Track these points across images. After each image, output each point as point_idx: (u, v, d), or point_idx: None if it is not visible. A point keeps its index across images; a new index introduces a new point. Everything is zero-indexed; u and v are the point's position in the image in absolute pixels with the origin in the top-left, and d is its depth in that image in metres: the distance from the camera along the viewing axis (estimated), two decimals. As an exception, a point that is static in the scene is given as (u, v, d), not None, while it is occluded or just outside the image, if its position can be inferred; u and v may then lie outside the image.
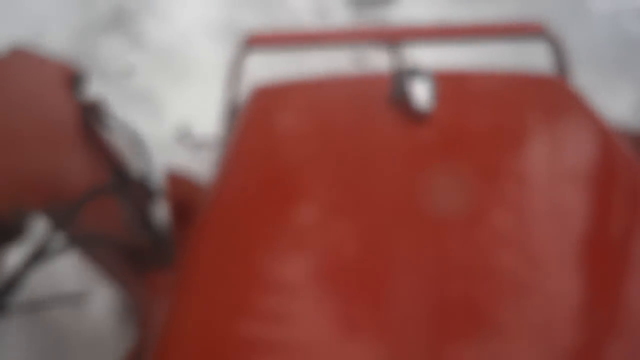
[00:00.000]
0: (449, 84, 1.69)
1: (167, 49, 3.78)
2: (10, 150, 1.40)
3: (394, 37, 1.92)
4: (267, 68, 2.95)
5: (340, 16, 3.89)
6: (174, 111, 3.40)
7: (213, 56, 3.73)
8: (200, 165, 2.84)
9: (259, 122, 1.67)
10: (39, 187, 1.39)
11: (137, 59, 3.69)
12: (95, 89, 2.97)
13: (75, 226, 1.45)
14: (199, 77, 3.54)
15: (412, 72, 1.57)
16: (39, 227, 1.79)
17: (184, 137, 3.27)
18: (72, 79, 1.65)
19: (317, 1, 4.19)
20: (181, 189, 1.73)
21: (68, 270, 2.36)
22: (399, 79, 1.59)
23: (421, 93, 1.53)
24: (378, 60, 2.72)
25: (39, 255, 1.34)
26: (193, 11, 4.10)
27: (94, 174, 1.61)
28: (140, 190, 1.76)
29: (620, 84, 3.21)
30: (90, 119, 1.67)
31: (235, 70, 1.95)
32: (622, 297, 1.18)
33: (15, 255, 1.79)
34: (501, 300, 1.16)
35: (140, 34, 3.88)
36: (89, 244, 1.53)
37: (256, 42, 1.92)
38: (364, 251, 1.28)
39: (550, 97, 1.68)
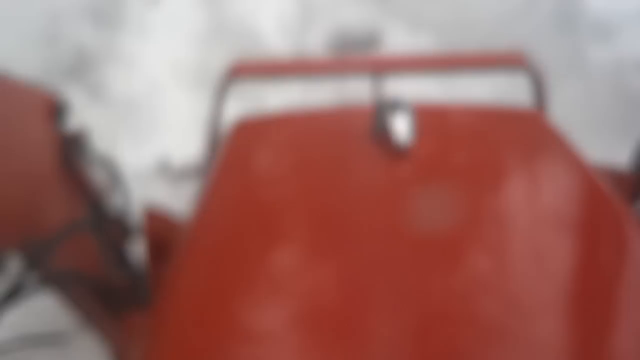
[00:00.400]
0: (430, 118, 1.67)
1: (132, 101, 3.48)
2: None
3: (376, 68, 1.89)
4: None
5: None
6: (155, 142, 3.23)
7: (184, 105, 3.47)
8: (180, 199, 2.72)
9: (239, 158, 1.64)
10: (14, 223, 1.36)
11: (97, 114, 3.41)
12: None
13: (51, 264, 1.40)
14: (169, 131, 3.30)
15: (393, 106, 1.54)
16: (13, 266, 1.61)
17: (164, 168, 3.17)
18: (54, 108, 1.59)
19: (295, 42, 3.92)
20: (159, 227, 1.66)
21: (43, 310, 2.24)
22: (379, 113, 1.56)
23: (401, 127, 1.52)
24: (361, 90, 2.60)
25: (12, 295, 1.30)
26: (161, 54, 3.80)
27: (70, 209, 1.57)
28: (117, 227, 1.72)
29: (619, 144, 2.94)
30: (70, 151, 1.60)
31: (217, 101, 1.90)
32: (608, 344, 1.17)
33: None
34: (484, 348, 1.14)
35: (102, 84, 3.56)
36: (64, 282, 1.47)
37: (240, 71, 1.89)
38: (344, 297, 1.25)
39: (530, 134, 1.66)
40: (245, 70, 1.92)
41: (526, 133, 1.67)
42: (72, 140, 1.61)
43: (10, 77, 1.55)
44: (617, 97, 3.12)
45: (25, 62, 3.69)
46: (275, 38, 3.93)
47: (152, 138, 3.35)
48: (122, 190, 1.78)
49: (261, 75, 1.94)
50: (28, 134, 1.50)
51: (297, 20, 4.06)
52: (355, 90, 2.64)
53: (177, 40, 3.89)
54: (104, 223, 1.66)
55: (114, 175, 1.76)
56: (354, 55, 2.13)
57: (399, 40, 3.71)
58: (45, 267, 1.38)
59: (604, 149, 2.75)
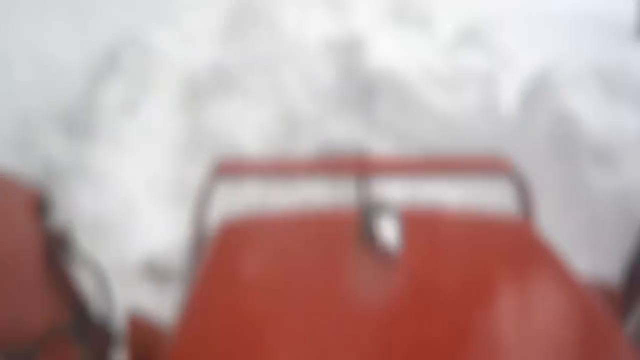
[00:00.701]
0: (417, 223, 1.62)
1: (103, 221, 3.18)
2: None
3: (361, 171, 1.85)
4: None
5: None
6: (140, 243, 3.05)
7: (159, 225, 3.21)
8: (164, 301, 2.40)
9: (224, 262, 1.58)
10: None
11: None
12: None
13: None
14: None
15: (380, 209, 1.51)
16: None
17: (149, 269, 3.06)
18: (39, 205, 1.53)
19: (277, 146, 3.71)
20: (142, 334, 1.56)
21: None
22: (366, 217, 1.52)
23: (389, 233, 1.47)
24: (348, 190, 2.37)
25: None
26: (136, 167, 3.56)
27: (53, 312, 1.48)
28: (100, 333, 1.62)
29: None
30: (54, 249, 1.53)
31: (202, 199, 1.85)
32: None
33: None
34: None
35: (71, 201, 3.25)
36: None
37: (225, 170, 1.86)
38: None
39: (519, 245, 1.63)
40: (231, 169, 1.89)
41: (515, 244, 1.64)
42: (56, 237, 1.55)
43: None
44: (619, 226, 2.93)
45: None
46: (256, 151, 3.72)
47: (131, 240, 3.11)
48: (107, 292, 1.66)
49: (246, 174, 1.94)
50: (12, 230, 1.45)
51: (280, 134, 3.89)
52: (345, 189, 2.51)
53: (154, 152, 3.66)
54: (87, 328, 1.58)
55: (100, 277, 1.65)
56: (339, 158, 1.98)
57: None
58: None
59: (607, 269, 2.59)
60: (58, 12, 5.76)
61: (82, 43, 4.79)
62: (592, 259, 2.57)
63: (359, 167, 1.89)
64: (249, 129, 3.84)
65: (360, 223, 1.55)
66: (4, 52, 4.92)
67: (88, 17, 5.52)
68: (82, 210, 3.08)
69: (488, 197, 2.25)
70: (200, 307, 1.45)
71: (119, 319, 1.68)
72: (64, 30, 5.32)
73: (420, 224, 1.66)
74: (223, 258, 1.60)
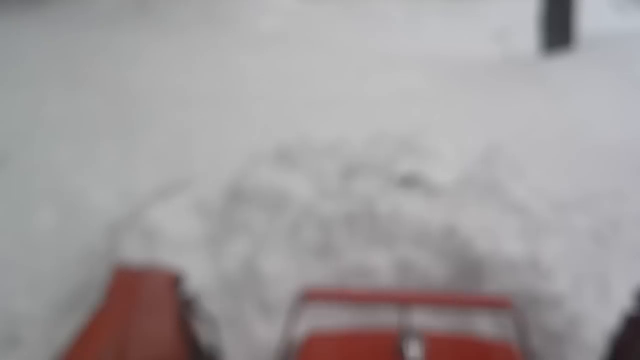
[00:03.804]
0: (438, 347, 2.01)
1: None
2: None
3: (402, 301, 2.24)
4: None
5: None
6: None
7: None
8: None
9: None
10: None
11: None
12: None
13: None
14: None
15: (408, 333, 1.92)
16: None
17: None
18: (174, 280, 1.97)
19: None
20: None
21: None
22: (400, 338, 1.91)
23: (413, 354, 1.87)
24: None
25: None
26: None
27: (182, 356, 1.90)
28: None
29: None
30: (186, 313, 1.98)
31: (290, 320, 2.15)
32: None
33: None
34: None
35: None
36: None
37: (311, 297, 2.20)
38: None
39: None
40: (317, 296, 2.24)
41: None
42: (188, 303, 2.00)
43: (144, 264, 1.94)
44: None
45: None
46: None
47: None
48: (217, 337, 2.13)
49: (328, 301, 2.38)
50: (157, 301, 1.85)
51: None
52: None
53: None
54: None
55: (213, 327, 2.10)
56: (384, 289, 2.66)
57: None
58: None
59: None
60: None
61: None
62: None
63: (400, 299, 2.29)
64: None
65: (397, 344, 1.93)
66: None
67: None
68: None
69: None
70: None
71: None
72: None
73: (441, 347, 2.06)
74: None
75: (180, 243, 3.40)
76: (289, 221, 3.20)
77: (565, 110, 6.89)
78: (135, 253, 3.35)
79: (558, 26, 9.21)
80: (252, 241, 3.15)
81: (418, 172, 3.37)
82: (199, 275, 3.11)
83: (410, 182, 3.42)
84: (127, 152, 6.01)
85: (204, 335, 2.11)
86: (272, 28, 14.55)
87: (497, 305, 2.32)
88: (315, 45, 13.10)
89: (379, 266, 2.94)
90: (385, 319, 2.42)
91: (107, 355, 1.50)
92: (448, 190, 3.28)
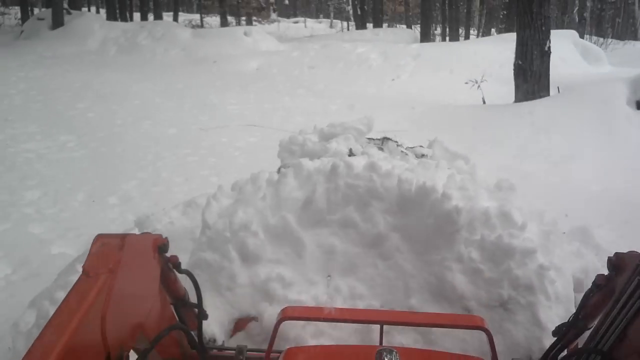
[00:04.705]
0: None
1: None
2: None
3: (383, 320, 2.34)
4: None
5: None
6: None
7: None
8: None
9: None
10: (132, 327, 1.82)
11: None
12: None
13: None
14: None
15: (385, 350, 1.92)
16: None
17: None
18: (158, 243, 2.10)
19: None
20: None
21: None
22: (377, 355, 1.90)
23: None
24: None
25: None
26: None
27: (166, 311, 2.19)
28: (194, 314, 2.37)
29: None
30: (168, 271, 2.19)
31: (271, 339, 2.19)
32: None
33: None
34: None
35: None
36: None
37: (289, 315, 2.26)
38: None
39: None
40: (293, 316, 2.30)
41: None
42: (167, 260, 2.14)
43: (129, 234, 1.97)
44: None
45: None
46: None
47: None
48: (198, 289, 2.30)
49: (305, 319, 2.48)
50: (145, 261, 1.99)
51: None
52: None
53: None
54: (186, 311, 2.33)
55: (194, 281, 2.28)
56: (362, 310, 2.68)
57: None
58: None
59: None
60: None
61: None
62: None
63: (378, 319, 2.39)
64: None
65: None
66: None
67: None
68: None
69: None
70: None
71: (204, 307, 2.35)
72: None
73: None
74: None
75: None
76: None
77: (550, 143, 6.98)
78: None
79: (536, 77, 9.24)
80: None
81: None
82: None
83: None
84: (94, 197, 5.86)
85: (185, 291, 2.31)
86: (255, 67, 14.60)
87: (471, 324, 2.38)
88: (295, 85, 13.12)
89: (356, 222, 2.88)
90: (364, 338, 2.56)
91: (92, 320, 1.58)
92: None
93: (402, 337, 2.60)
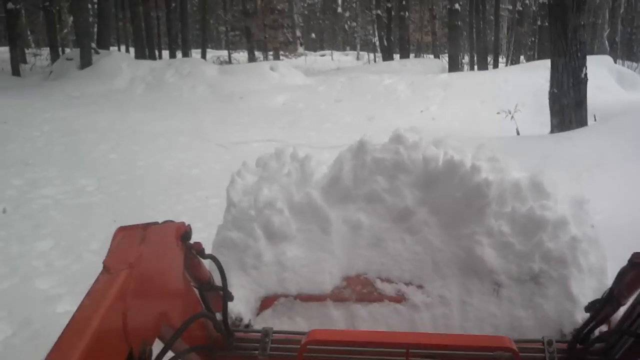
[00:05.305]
0: None
1: None
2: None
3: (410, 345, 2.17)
4: None
5: None
6: None
7: None
8: None
9: None
10: (156, 317, 1.77)
11: None
12: None
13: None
14: None
15: None
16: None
17: None
18: (182, 231, 2.07)
19: None
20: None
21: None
22: None
23: None
24: None
25: None
26: None
27: (191, 300, 2.15)
28: (219, 298, 2.30)
29: None
30: (192, 257, 2.12)
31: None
32: None
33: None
34: None
35: None
36: None
37: (315, 338, 2.15)
38: None
39: None
40: (319, 339, 2.20)
41: None
42: (191, 248, 2.09)
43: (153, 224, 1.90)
44: None
45: None
46: None
47: None
48: (223, 274, 2.22)
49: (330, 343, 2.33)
50: (167, 250, 1.95)
51: None
52: None
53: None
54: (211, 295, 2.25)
55: (219, 266, 2.21)
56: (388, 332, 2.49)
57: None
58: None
59: None
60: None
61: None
62: None
63: (404, 342, 2.19)
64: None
65: None
66: None
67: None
68: None
69: None
70: None
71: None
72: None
73: None
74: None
75: None
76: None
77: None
78: None
79: (572, 106, 8.75)
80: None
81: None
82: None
83: None
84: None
85: (210, 274, 2.23)
86: (281, 102, 14.40)
87: (499, 346, 2.24)
88: (322, 120, 12.83)
89: (383, 196, 2.82)
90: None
91: (113, 319, 1.52)
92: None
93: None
